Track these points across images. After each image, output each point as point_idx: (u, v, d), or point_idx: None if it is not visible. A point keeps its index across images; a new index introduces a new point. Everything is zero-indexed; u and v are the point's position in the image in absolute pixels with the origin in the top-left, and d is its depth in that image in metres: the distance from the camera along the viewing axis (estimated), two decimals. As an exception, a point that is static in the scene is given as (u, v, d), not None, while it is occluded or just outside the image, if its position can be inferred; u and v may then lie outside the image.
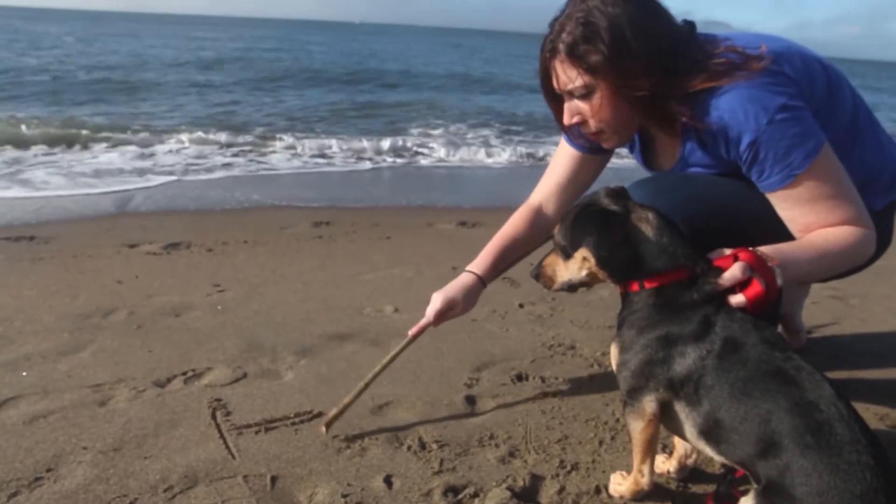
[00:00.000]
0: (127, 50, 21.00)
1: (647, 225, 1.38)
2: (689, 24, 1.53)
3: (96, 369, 2.07)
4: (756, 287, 1.33)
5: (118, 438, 1.70)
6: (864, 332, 2.67)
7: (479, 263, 1.93)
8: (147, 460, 1.61)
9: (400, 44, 40.71)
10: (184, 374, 2.06)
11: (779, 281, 1.36)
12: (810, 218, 1.48)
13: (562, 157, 1.98)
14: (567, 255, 1.47)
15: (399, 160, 7.35)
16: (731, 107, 1.43)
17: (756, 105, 1.41)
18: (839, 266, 1.49)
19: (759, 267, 1.34)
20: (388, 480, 1.57)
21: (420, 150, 7.90)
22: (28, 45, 20.73)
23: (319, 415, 1.85)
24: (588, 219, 1.42)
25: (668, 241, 1.38)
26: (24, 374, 2.02)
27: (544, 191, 2.04)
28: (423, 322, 1.88)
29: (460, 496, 1.51)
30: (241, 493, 1.50)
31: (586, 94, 1.53)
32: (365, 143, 7.76)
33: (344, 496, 1.50)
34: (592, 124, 1.59)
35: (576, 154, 1.93)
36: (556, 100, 1.62)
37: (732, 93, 1.43)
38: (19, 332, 2.32)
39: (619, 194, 1.46)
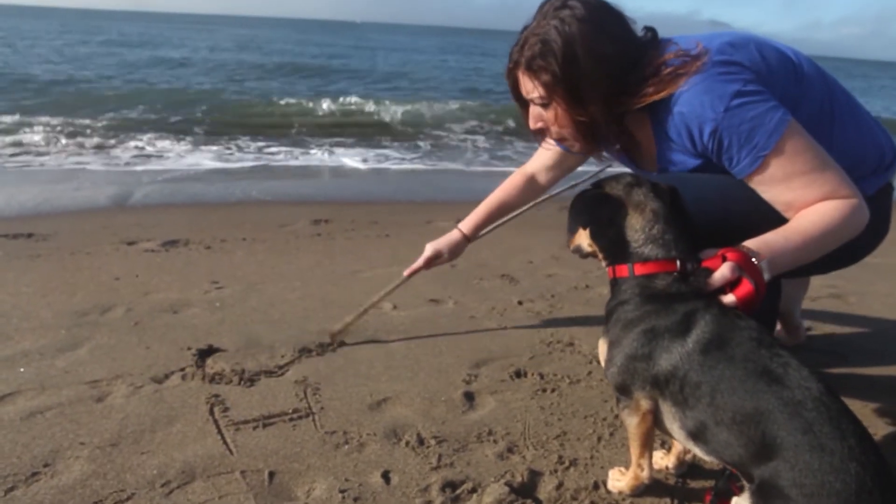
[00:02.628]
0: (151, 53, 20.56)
1: (639, 213, 1.40)
2: (651, 33, 1.58)
3: (93, 366, 2.07)
4: (746, 286, 1.33)
5: (115, 434, 1.70)
6: (862, 329, 2.67)
7: (467, 222, 2.32)
8: (144, 456, 1.61)
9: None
10: (181, 370, 2.06)
11: (766, 276, 1.36)
12: (788, 197, 1.47)
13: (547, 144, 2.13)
14: None
15: (399, 158, 7.35)
16: (688, 101, 1.47)
17: (711, 95, 1.44)
18: (831, 243, 1.47)
19: (746, 265, 1.35)
20: (385, 476, 1.56)
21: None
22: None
23: (318, 411, 1.85)
24: (585, 198, 1.50)
25: (660, 233, 1.38)
26: (22, 370, 2.02)
27: (536, 164, 2.27)
28: (414, 265, 2.33)
29: (458, 491, 1.51)
30: (238, 489, 1.50)
31: (545, 105, 1.61)
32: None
33: (342, 491, 1.50)
34: (553, 132, 1.68)
35: (556, 148, 2.12)
36: (523, 104, 1.71)
37: (688, 91, 1.47)
38: (16, 329, 2.32)
39: (636, 183, 1.45)
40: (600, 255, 1.49)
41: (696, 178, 1.61)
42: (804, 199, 1.46)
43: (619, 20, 1.54)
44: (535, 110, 1.65)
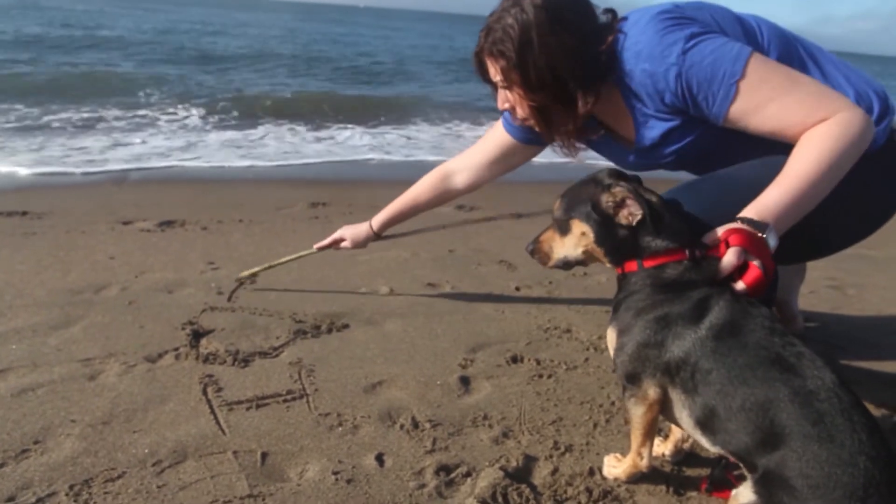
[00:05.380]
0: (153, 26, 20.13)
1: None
2: (611, 14, 1.59)
3: (86, 344, 2.05)
4: (754, 271, 1.31)
5: (107, 412, 1.68)
6: (860, 321, 2.66)
7: (377, 217, 2.42)
8: (136, 434, 1.59)
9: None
10: (175, 349, 2.04)
11: (772, 243, 1.34)
12: (775, 124, 1.44)
13: (494, 137, 2.13)
14: (564, 231, 1.45)
15: (398, 144, 7.30)
16: (647, 56, 1.49)
17: (665, 43, 1.46)
18: (837, 170, 1.39)
19: (750, 246, 1.32)
20: (379, 458, 1.55)
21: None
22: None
23: (312, 393, 1.83)
24: (588, 193, 1.40)
25: (669, 223, 1.36)
26: (14, 347, 2.00)
27: (465, 162, 2.23)
28: (323, 241, 2.51)
29: (453, 475, 1.50)
30: (230, 469, 1.48)
31: (508, 87, 1.63)
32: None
33: (335, 473, 1.48)
34: (519, 112, 1.69)
35: (508, 139, 2.08)
36: (492, 86, 1.72)
37: (640, 43, 1.49)
38: (9, 306, 2.29)
39: (620, 175, 1.43)
40: (604, 259, 1.42)
41: (711, 182, 1.59)
42: (796, 121, 1.41)
43: (578, 8, 1.55)
44: (502, 92, 1.68)
